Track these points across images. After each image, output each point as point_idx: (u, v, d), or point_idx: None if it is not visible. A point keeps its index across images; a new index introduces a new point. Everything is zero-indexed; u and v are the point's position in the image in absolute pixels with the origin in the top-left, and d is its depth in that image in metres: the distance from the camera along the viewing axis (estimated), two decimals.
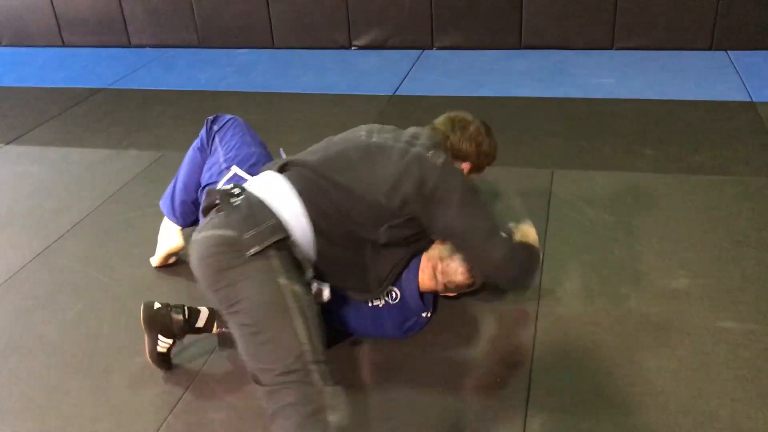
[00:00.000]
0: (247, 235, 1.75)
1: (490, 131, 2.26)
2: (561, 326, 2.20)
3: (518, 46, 4.68)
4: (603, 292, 2.32)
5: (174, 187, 2.50)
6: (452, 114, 2.22)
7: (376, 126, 2.15)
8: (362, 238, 1.96)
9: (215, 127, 2.48)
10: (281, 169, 1.98)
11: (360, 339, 2.18)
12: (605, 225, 2.68)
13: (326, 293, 1.93)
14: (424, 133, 2.09)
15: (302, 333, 1.67)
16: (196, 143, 2.49)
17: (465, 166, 2.20)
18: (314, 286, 1.91)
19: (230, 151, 2.40)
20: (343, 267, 1.99)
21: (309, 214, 1.86)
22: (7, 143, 3.74)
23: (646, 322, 2.17)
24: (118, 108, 4.18)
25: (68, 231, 2.87)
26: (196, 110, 4.02)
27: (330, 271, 1.96)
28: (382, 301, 2.14)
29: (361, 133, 2.08)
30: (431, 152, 1.98)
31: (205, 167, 2.41)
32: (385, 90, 4.15)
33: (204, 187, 2.33)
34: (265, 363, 1.66)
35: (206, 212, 1.90)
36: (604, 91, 3.92)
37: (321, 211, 1.88)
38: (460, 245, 2.06)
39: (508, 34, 4.68)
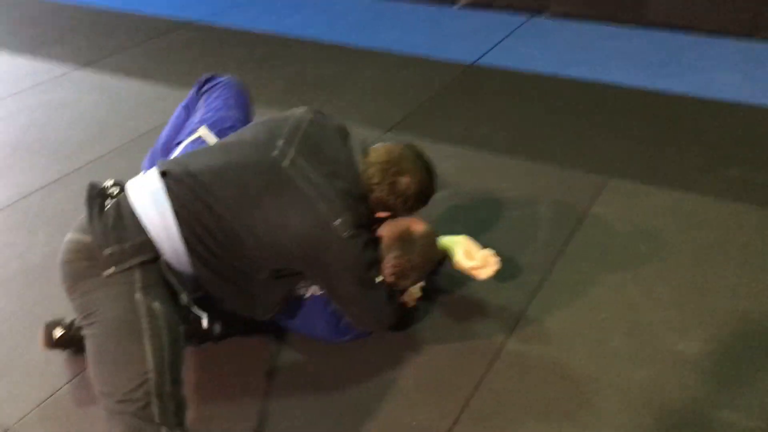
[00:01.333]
0: (107, 251, 1.55)
1: (430, 176, 1.90)
2: (519, 370, 1.86)
3: (641, 22, 4.08)
4: (588, 340, 1.94)
5: (156, 144, 2.38)
6: (390, 155, 1.83)
7: (304, 127, 1.81)
8: (244, 271, 1.71)
9: (206, 86, 2.34)
10: (167, 173, 1.69)
11: (291, 338, 1.97)
12: (634, 258, 2.23)
13: (204, 323, 1.70)
14: (346, 174, 1.76)
15: (150, 359, 1.48)
16: (184, 101, 2.35)
17: (383, 214, 1.88)
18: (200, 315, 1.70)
19: (209, 111, 2.23)
20: (226, 293, 1.74)
21: (183, 236, 1.61)
22: (82, 67, 3.82)
23: (624, 389, 1.77)
24: (197, 45, 4.14)
25: (91, 162, 2.87)
26: (267, 56, 3.91)
27: (213, 294, 1.73)
28: (309, 292, 1.91)
29: (277, 143, 1.74)
30: (340, 220, 1.67)
31: (185, 126, 2.27)
32: (465, 57, 3.77)
33: (175, 145, 2.18)
34: (105, 385, 1.49)
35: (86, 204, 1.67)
36: (720, 89, 3.29)
37: (196, 237, 1.63)
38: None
39: (631, 6, 4.09)
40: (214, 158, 1.75)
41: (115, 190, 1.68)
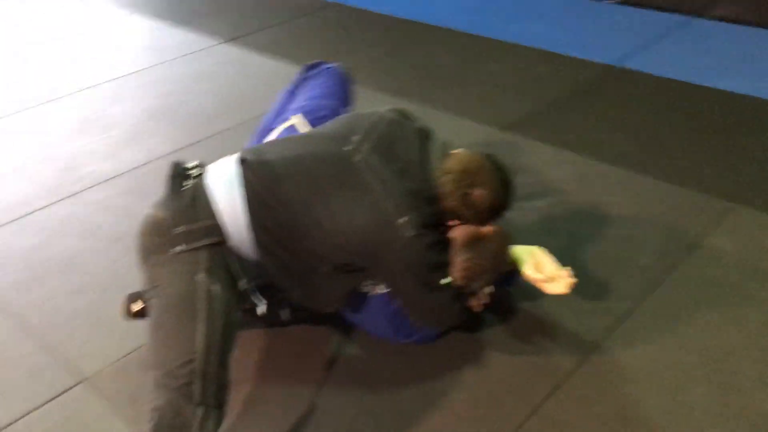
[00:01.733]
0: (177, 230, 1.62)
1: (506, 191, 1.81)
2: (581, 403, 1.74)
3: None
4: (665, 384, 1.78)
5: (258, 127, 2.45)
6: (467, 165, 1.76)
7: (383, 125, 1.79)
8: (308, 262, 1.72)
9: (311, 72, 2.37)
10: (244, 161, 1.74)
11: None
12: (742, 300, 2.01)
13: (260, 310, 1.73)
14: (418, 175, 1.73)
15: (200, 340, 1.52)
16: (289, 85, 2.40)
17: (456, 222, 1.81)
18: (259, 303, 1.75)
19: (307, 99, 2.27)
20: (289, 283, 1.75)
21: (251, 224, 1.65)
22: (227, 42, 4.00)
23: None
24: (336, 26, 4.20)
25: (218, 133, 3.02)
26: (400, 42, 3.89)
27: (277, 283, 1.75)
28: (374, 288, 1.89)
29: (353, 138, 1.74)
30: (404, 219, 1.64)
31: (283, 111, 2.31)
32: (608, 57, 3.55)
33: (269, 130, 2.24)
34: (155, 358, 1.56)
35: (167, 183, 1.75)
36: None
37: (264, 226, 1.65)
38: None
39: None
40: (291, 149, 1.78)
41: (196, 172, 1.74)
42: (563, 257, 2.24)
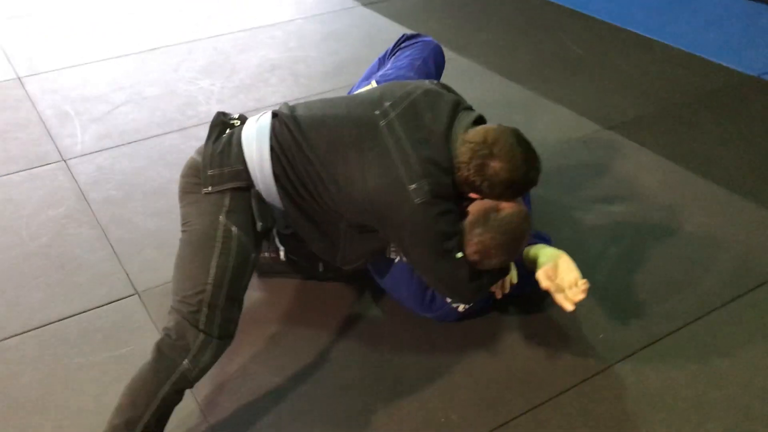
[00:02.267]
0: (209, 172, 1.73)
1: (526, 167, 1.73)
2: (575, 416, 1.70)
3: None
4: (676, 415, 1.69)
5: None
6: (486, 137, 1.71)
7: (416, 95, 1.79)
8: (326, 217, 1.78)
9: (405, 43, 2.39)
10: (278, 114, 1.81)
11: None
12: None
13: (281, 255, 1.83)
14: (438, 144, 1.71)
15: (213, 273, 1.64)
16: (382, 53, 2.44)
17: (473, 195, 1.77)
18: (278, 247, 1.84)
19: (392, 68, 2.30)
20: (309, 234, 1.82)
21: (274, 171, 1.73)
22: (363, 5, 4.10)
23: None
24: (472, 3, 4.17)
25: (328, 92, 3.14)
26: (533, 23, 3.81)
27: (299, 232, 1.83)
28: (398, 256, 1.93)
29: (384, 104, 1.76)
30: (415, 186, 1.65)
31: (369, 77, 2.37)
32: (753, 68, 3.27)
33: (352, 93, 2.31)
34: (174, 284, 1.70)
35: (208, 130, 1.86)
36: None
37: (286, 175, 1.73)
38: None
39: None
40: (323, 108, 1.83)
41: (237, 122, 1.85)
42: (618, 267, 2.18)
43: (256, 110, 3.01)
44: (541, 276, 1.83)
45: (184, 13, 4.01)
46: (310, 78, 3.29)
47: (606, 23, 3.80)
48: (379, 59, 2.43)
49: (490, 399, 1.76)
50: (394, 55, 2.40)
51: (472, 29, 3.79)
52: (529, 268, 1.91)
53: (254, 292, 2.05)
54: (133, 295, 2.07)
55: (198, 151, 1.81)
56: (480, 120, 1.80)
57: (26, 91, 3.16)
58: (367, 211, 1.73)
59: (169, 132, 2.86)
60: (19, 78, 3.27)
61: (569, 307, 1.79)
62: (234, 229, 1.69)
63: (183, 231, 1.76)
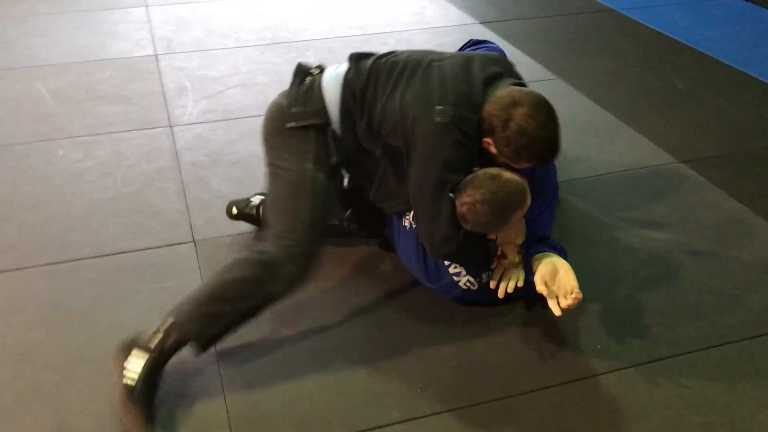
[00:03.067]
0: (293, 109, 1.98)
1: (548, 130, 1.81)
2: (546, 410, 1.76)
3: None
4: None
5: None
6: (519, 92, 1.83)
7: (470, 53, 2.03)
8: (372, 141, 1.98)
9: (468, 48, 2.51)
10: (359, 58, 2.03)
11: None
12: None
13: (345, 182, 2.17)
14: (474, 87, 1.86)
15: (305, 215, 1.92)
16: None
17: (487, 143, 1.87)
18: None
19: None
20: (355, 167, 2.10)
21: (342, 105, 1.95)
22: (481, 23, 4.24)
23: None
24: (600, 31, 4.19)
25: None
26: (633, 51, 3.78)
27: (358, 180, 2.13)
28: (407, 221, 2.06)
29: (444, 55, 1.98)
30: (441, 107, 1.82)
31: None
32: None
33: None
34: (272, 220, 1.98)
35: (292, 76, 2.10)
36: None
37: (348, 109, 1.95)
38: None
39: None
40: (388, 54, 2.05)
41: (317, 71, 2.06)
42: (640, 288, 2.24)
43: None
44: (538, 279, 1.89)
45: (310, 15, 4.35)
46: None
47: (719, 62, 3.71)
48: None
49: (470, 381, 1.86)
50: None
51: (579, 55, 3.83)
52: (534, 270, 1.97)
53: None
54: (189, 242, 2.35)
55: (282, 94, 2.07)
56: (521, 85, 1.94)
57: (158, 66, 3.61)
58: (398, 128, 1.89)
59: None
60: (156, 55, 3.73)
61: (557, 311, 1.86)
62: (320, 176, 1.95)
63: (272, 170, 2.03)
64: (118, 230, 2.41)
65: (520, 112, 1.78)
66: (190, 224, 2.44)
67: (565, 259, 1.99)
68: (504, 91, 1.85)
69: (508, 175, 1.83)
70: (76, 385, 1.83)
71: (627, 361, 1.91)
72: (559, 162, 2.11)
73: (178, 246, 2.34)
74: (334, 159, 1.99)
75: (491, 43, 2.54)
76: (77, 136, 2.95)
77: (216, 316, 1.82)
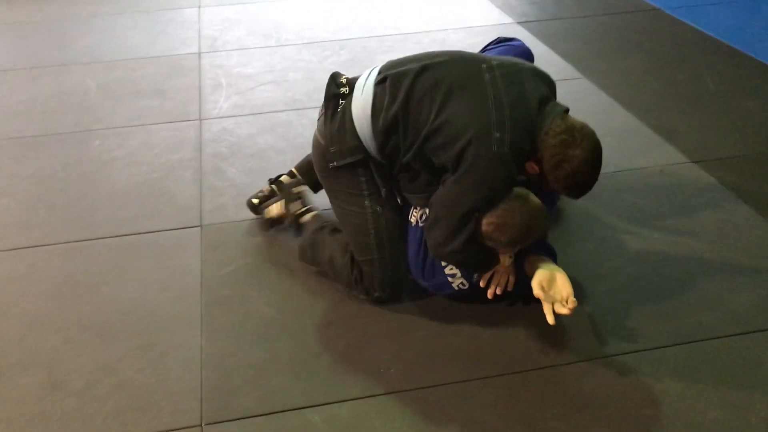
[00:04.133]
0: (332, 149, 2.05)
1: (593, 170, 1.89)
2: (500, 401, 1.81)
3: None
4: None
5: None
6: (585, 128, 1.88)
7: (523, 67, 1.98)
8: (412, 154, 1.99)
9: (493, 46, 2.53)
10: (381, 82, 2.00)
11: None
12: None
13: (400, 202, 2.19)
14: (531, 109, 1.87)
15: (374, 252, 2.07)
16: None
17: (533, 167, 1.91)
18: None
19: None
20: (408, 192, 2.14)
21: (376, 140, 1.98)
22: (517, 22, 4.26)
23: None
24: (634, 30, 4.14)
25: None
26: (669, 51, 3.72)
27: (403, 195, 2.16)
28: (414, 218, 2.13)
29: (493, 62, 1.94)
30: (499, 135, 1.82)
31: None
32: None
33: None
34: (352, 246, 2.14)
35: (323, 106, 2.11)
36: None
37: (385, 134, 1.97)
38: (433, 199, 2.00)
39: None
40: (425, 58, 2.02)
41: (345, 90, 2.06)
42: (624, 286, 2.25)
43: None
44: (535, 284, 1.95)
45: (352, 15, 4.47)
46: None
47: (759, 62, 3.61)
48: None
49: (432, 364, 1.93)
50: (484, 53, 2.54)
51: (612, 54, 3.80)
52: (527, 272, 2.03)
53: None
54: (197, 226, 2.52)
55: (318, 129, 2.12)
56: (567, 111, 1.96)
57: (200, 63, 3.82)
58: (447, 147, 1.88)
59: (289, 110, 3.31)
60: (199, 53, 3.95)
61: (552, 319, 1.91)
62: (379, 208, 2.07)
63: (336, 209, 2.16)
64: (134, 213, 2.60)
65: (576, 157, 1.84)
66: (200, 210, 2.61)
67: (555, 260, 2.06)
68: (561, 124, 1.86)
69: (533, 198, 1.93)
70: (72, 349, 2.02)
71: (590, 354, 1.94)
72: None
73: (186, 230, 2.51)
74: (384, 191, 2.07)
75: (517, 40, 2.55)
76: (114, 128, 3.18)
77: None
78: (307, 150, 2.34)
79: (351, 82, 2.09)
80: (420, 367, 1.92)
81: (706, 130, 3.03)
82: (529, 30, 4.14)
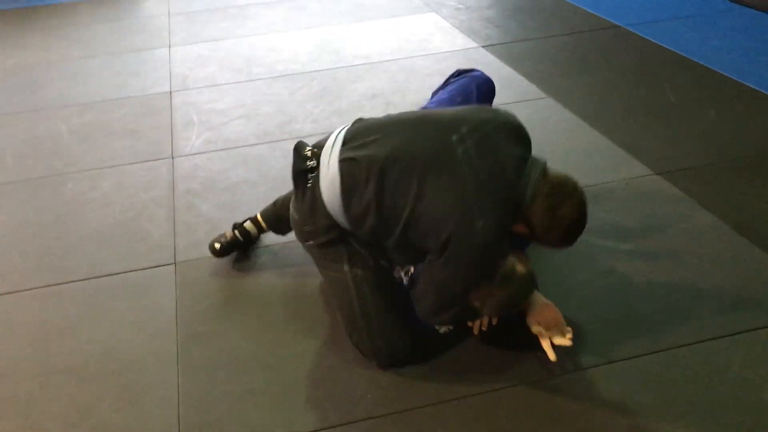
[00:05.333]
0: (305, 228, 2.04)
1: (582, 223, 1.90)
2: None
3: None
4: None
5: None
6: (568, 182, 1.87)
7: (493, 126, 1.90)
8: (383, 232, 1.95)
9: (454, 78, 2.59)
10: (344, 160, 1.93)
11: None
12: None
13: (397, 273, 2.16)
14: (510, 179, 1.82)
15: (360, 320, 2.00)
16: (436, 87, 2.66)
17: (521, 228, 1.90)
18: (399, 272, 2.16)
19: (433, 102, 2.53)
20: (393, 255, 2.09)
21: (348, 219, 1.95)
22: (482, 46, 4.35)
23: None
24: (599, 48, 4.23)
25: None
26: (631, 67, 3.81)
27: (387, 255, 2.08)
28: (403, 275, 2.15)
29: (462, 129, 1.85)
30: (482, 223, 1.77)
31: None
32: None
33: None
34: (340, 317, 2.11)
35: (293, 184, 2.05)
36: None
37: (356, 217, 1.94)
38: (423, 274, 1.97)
39: None
40: (398, 135, 1.94)
41: (313, 164, 1.98)
42: (594, 299, 2.29)
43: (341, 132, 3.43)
44: (531, 322, 1.98)
45: (322, 46, 4.55)
46: (399, 107, 3.61)
47: (718, 73, 3.70)
48: (432, 92, 2.65)
49: (408, 388, 1.95)
50: (443, 87, 2.59)
51: (576, 73, 3.88)
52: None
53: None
54: (171, 264, 2.54)
55: (293, 205, 2.08)
56: (545, 165, 1.91)
57: (171, 102, 3.86)
58: (430, 234, 1.83)
59: (261, 143, 3.35)
60: (170, 92, 3.99)
61: (553, 355, 1.94)
62: (359, 272, 2.00)
63: (321, 271, 2.13)
64: (108, 254, 2.61)
65: (566, 218, 1.84)
66: (174, 247, 2.62)
67: (536, 283, 2.06)
68: (545, 186, 1.83)
69: (521, 268, 1.90)
70: (49, 393, 2.02)
71: (562, 369, 1.96)
72: None
73: (160, 267, 2.52)
74: (370, 261, 2.02)
75: (476, 70, 2.61)
76: (87, 170, 3.20)
77: None
78: (279, 183, 2.37)
79: (317, 153, 2.01)
80: (395, 392, 1.94)
81: (669, 142, 3.10)
82: (494, 53, 4.22)
